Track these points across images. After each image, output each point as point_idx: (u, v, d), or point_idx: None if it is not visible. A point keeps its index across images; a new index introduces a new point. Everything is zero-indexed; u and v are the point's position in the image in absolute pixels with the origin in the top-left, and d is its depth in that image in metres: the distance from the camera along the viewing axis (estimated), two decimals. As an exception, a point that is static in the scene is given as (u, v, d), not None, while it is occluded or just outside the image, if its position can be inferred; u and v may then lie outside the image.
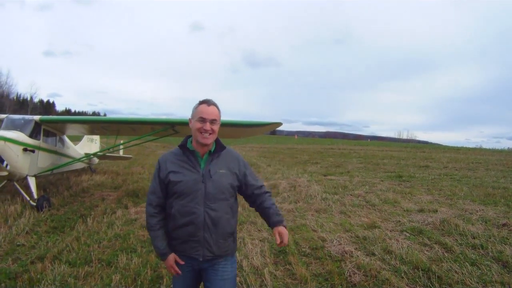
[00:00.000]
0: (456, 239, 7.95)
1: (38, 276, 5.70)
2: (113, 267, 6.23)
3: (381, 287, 5.76)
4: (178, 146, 3.54)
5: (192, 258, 3.39)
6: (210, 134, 3.36)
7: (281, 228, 3.48)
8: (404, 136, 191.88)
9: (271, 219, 3.55)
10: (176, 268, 3.41)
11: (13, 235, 7.58)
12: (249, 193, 3.66)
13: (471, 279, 5.91)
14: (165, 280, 5.72)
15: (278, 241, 3.43)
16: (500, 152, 53.20)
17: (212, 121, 3.36)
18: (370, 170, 22.43)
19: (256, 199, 3.67)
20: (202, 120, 3.33)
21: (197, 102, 3.49)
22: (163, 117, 12.67)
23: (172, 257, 3.43)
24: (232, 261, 3.58)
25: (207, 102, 3.43)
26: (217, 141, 3.53)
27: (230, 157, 3.59)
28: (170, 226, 3.43)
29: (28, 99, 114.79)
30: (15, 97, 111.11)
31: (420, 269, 6.29)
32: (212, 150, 3.49)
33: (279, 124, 11.22)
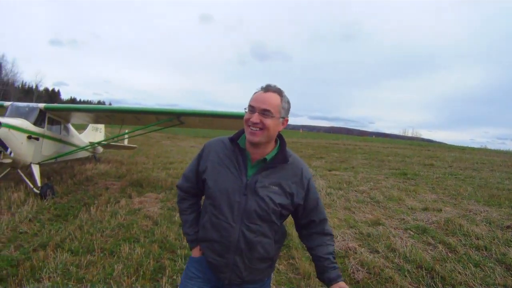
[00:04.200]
0: (460, 239, 7.93)
1: (40, 264, 5.66)
2: (115, 257, 6.20)
3: (384, 285, 5.72)
4: (229, 138, 2.80)
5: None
6: (260, 129, 2.54)
7: (342, 284, 2.72)
8: (409, 133, 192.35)
9: (326, 274, 2.77)
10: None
11: (16, 222, 7.56)
12: (304, 223, 2.91)
13: (474, 281, 5.89)
14: (167, 271, 5.69)
15: None
16: (505, 153, 53.05)
17: (264, 112, 2.53)
18: (375, 166, 22.40)
19: (310, 236, 2.92)
20: (251, 109, 2.58)
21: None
22: (169, 107, 12.73)
23: (199, 249, 2.92)
24: (265, 285, 2.97)
25: (265, 88, 2.63)
26: (281, 148, 2.75)
27: (290, 170, 2.73)
28: (200, 235, 2.88)
29: (34, 87, 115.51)
30: (20, 85, 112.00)
31: (423, 269, 6.27)
32: (269, 157, 2.69)
33: (285, 117, 11.21)
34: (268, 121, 2.53)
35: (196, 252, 2.93)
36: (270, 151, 2.72)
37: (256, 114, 2.52)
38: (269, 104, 2.53)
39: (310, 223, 2.89)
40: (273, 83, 2.65)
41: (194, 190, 3.00)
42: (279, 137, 2.78)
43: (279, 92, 2.62)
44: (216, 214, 2.68)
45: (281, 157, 2.70)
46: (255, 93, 2.64)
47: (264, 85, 2.65)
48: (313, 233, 2.90)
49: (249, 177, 2.65)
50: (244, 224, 2.62)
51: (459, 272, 6.17)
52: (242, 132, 2.78)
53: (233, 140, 2.75)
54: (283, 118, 2.66)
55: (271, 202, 2.60)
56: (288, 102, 2.67)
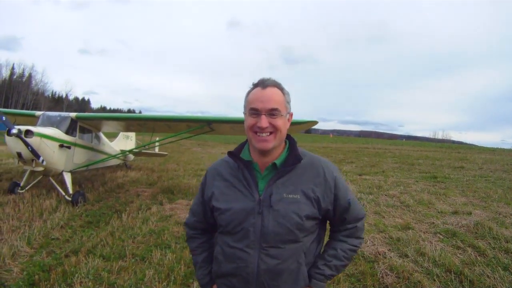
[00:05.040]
0: (489, 242, 7.83)
1: (72, 269, 5.79)
2: (147, 262, 6.30)
3: (412, 289, 5.70)
4: (228, 153, 2.38)
5: None
6: (271, 133, 2.15)
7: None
8: (439, 136, 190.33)
9: (313, 266, 2.35)
10: None
11: (48, 229, 7.74)
12: (336, 230, 2.50)
13: (502, 284, 5.81)
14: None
15: None
16: (537, 154, 52.03)
17: (271, 112, 2.13)
18: (405, 170, 22.29)
19: (334, 231, 2.53)
20: (255, 112, 2.15)
21: (251, 85, 2.27)
22: (199, 114, 12.83)
23: None
24: None
25: (261, 84, 2.18)
26: (291, 147, 2.34)
27: (310, 172, 2.27)
28: (214, 270, 2.41)
29: (63, 96, 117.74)
30: (50, 95, 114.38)
31: (452, 272, 6.21)
32: (279, 162, 2.25)
33: (315, 122, 11.18)
34: (279, 122, 2.15)
35: None
36: (279, 154, 2.30)
37: (263, 116, 2.12)
38: (275, 101, 2.15)
39: (341, 224, 2.46)
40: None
41: (202, 225, 2.57)
42: (287, 136, 2.36)
43: (278, 85, 2.22)
44: (228, 242, 2.26)
45: (293, 157, 2.27)
46: (250, 92, 2.23)
47: (256, 81, 2.25)
48: (335, 231, 2.51)
49: (261, 191, 2.22)
50: (263, 249, 2.17)
51: (487, 276, 6.09)
52: (243, 144, 2.42)
53: (234, 154, 2.33)
54: (288, 113, 2.27)
55: (295, 216, 2.16)
56: (288, 94, 2.28)
